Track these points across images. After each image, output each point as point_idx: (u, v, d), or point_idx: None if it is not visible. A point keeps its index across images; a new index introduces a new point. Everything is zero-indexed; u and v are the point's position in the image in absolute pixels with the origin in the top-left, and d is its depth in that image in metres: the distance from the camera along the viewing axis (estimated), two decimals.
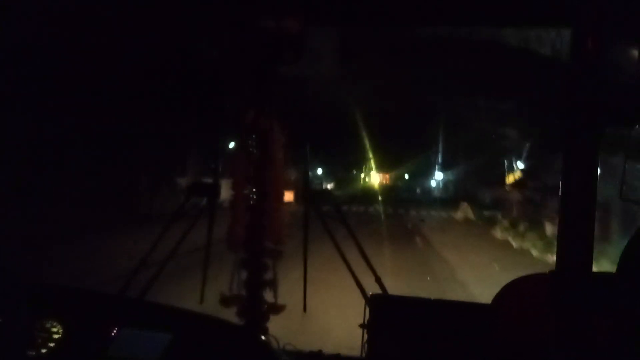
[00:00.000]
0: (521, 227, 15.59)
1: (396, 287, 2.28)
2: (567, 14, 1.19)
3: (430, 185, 52.46)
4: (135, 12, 2.07)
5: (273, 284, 2.18)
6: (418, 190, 55.35)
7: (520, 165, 18.88)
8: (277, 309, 2.17)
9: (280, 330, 2.03)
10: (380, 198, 32.99)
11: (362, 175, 50.60)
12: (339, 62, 2.56)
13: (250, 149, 2.14)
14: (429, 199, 42.48)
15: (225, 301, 2.13)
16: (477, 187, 30.13)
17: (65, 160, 11.37)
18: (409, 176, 55.95)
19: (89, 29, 2.19)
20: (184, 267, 3.51)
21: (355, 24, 2.41)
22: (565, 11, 1.46)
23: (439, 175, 48.27)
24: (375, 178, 47.09)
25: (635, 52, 1.52)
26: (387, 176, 52.63)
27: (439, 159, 44.02)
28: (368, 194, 35.26)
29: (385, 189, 42.36)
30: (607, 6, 0.93)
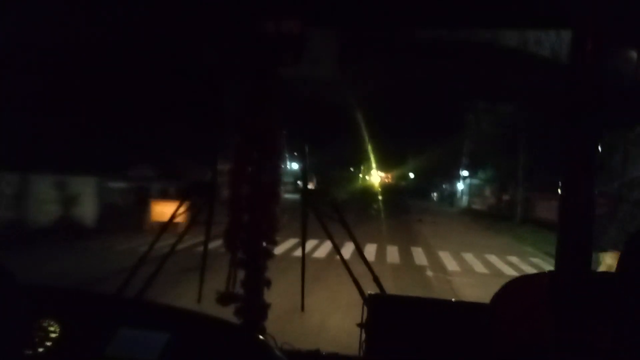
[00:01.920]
0: None
1: None
2: (567, 16, 1.19)
3: (454, 190, 36.81)
4: (135, 14, 2.07)
5: (270, 284, 2.18)
6: (434, 195, 40.98)
7: None
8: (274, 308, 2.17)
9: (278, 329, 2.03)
10: (379, 206, 24.37)
11: (361, 174, 45.30)
12: (339, 63, 2.57)
13: (249, 150, 2.14)
14: (454, 213, 27.83)
15: (222, 300, 2.13)
16: (538, 197, 18.92)
17: None
18: (419, 176, 44.44)
19: (85, 28, 2.19)
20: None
21: (355, 26, 2.42)
22: (565, 13, 1.46)
23: (463, 175, 33.25)
24: (375, 177, 40.83)
25: (634, 54, 1.52)
26: (390, 175, 46.67)
27: (463, 156, 31.29)
28: (363, 199, 26.61)
29: (387, 192, 34.53)
30: (607, 7, 0.93)
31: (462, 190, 34.86)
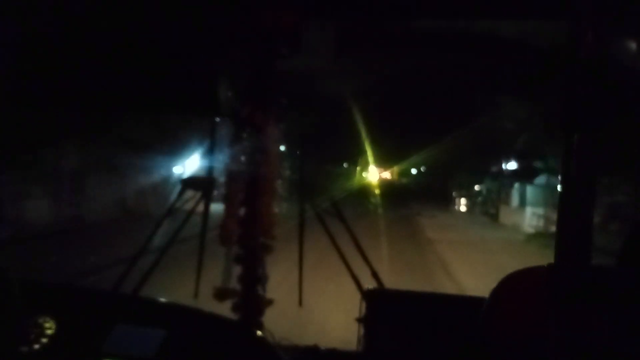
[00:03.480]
0: None
1: None
2: (567, 7, 1.17)
3: (509, 193, 20.67)
4: (130, 6, 2.05)
5: (268, 279, 2.17)
6: (461, 202, 26.44)
7: None
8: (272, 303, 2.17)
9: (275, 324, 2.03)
10: (376, 207, 20.79)
11: (357, 170, 40.93)
12: (336, 55, 2.55)
13: (245, 143, 2.13)
14: (521, 243, 14.65)
15: (219, 295, 2.12)
16: None
17: None
18: (431, 171, 34.75)
19: (81, 20, 2.16)
20: None
21: (352, 17, 2.40)
22: (565, 3, 1.44)
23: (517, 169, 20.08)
24: (373, 174, 33.65)
25: (637, 46, 1.50)
26: (391, 171, 41.60)
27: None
28: (355, 205, 18.43)
29: (388, 194, 27.92)
30: None
31: (518, 194, 20.54)
